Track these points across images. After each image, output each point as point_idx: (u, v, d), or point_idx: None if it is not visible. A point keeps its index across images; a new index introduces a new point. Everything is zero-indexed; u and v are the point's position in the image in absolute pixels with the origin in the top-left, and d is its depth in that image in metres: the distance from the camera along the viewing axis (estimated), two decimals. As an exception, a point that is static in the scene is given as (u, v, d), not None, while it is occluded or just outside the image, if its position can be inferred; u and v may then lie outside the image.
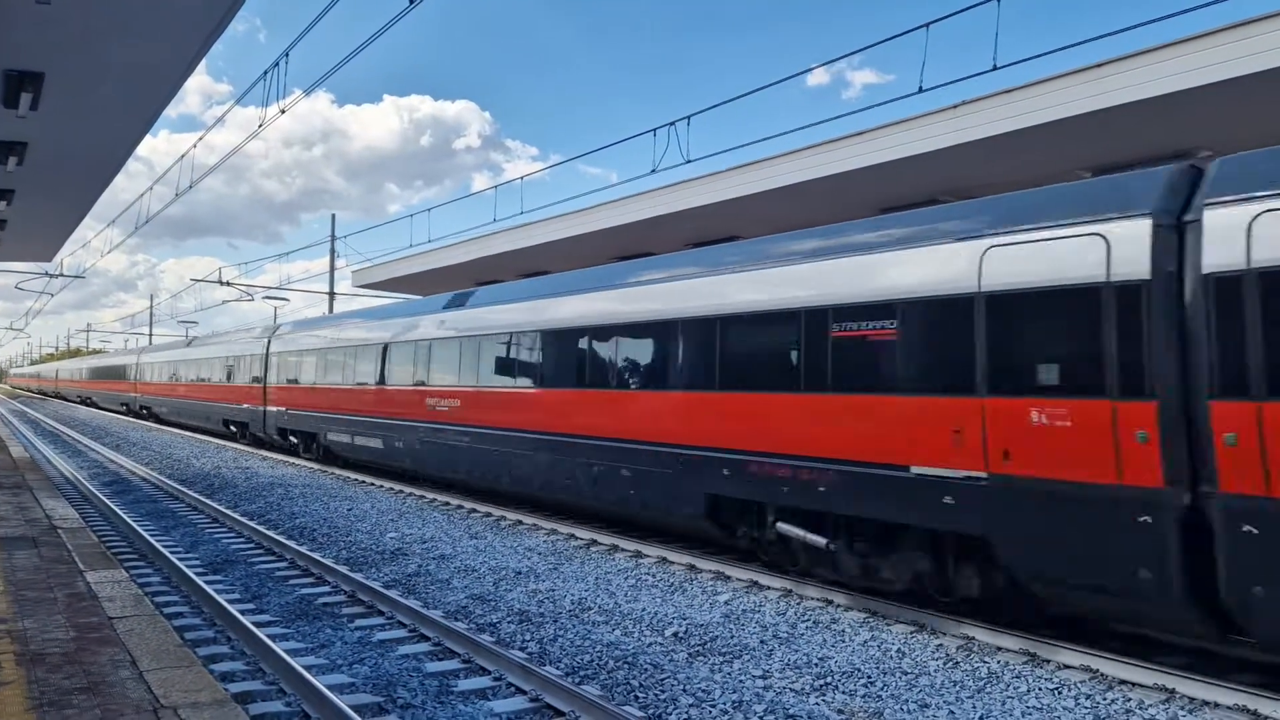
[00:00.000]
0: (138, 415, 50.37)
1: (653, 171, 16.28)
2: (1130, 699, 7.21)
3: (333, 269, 44.14)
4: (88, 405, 69.67)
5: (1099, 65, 14.05)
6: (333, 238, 43.83)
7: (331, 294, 44.22)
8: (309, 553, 12.30)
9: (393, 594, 10.08)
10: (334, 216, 45.64)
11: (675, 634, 8.96)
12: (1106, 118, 14.29)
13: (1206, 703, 7.07)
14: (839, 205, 19.51)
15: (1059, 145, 15.69)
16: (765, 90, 30.81)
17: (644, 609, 9.91)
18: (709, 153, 24.19)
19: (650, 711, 6.91)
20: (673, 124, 16.15)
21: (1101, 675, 7.74)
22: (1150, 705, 7.06)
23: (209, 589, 10.06)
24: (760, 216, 21.33)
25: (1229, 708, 6.96)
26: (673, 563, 12.34)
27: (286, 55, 13.84)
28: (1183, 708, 7.01)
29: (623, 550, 13.25)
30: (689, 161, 15.55)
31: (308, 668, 7.48)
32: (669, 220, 22.94)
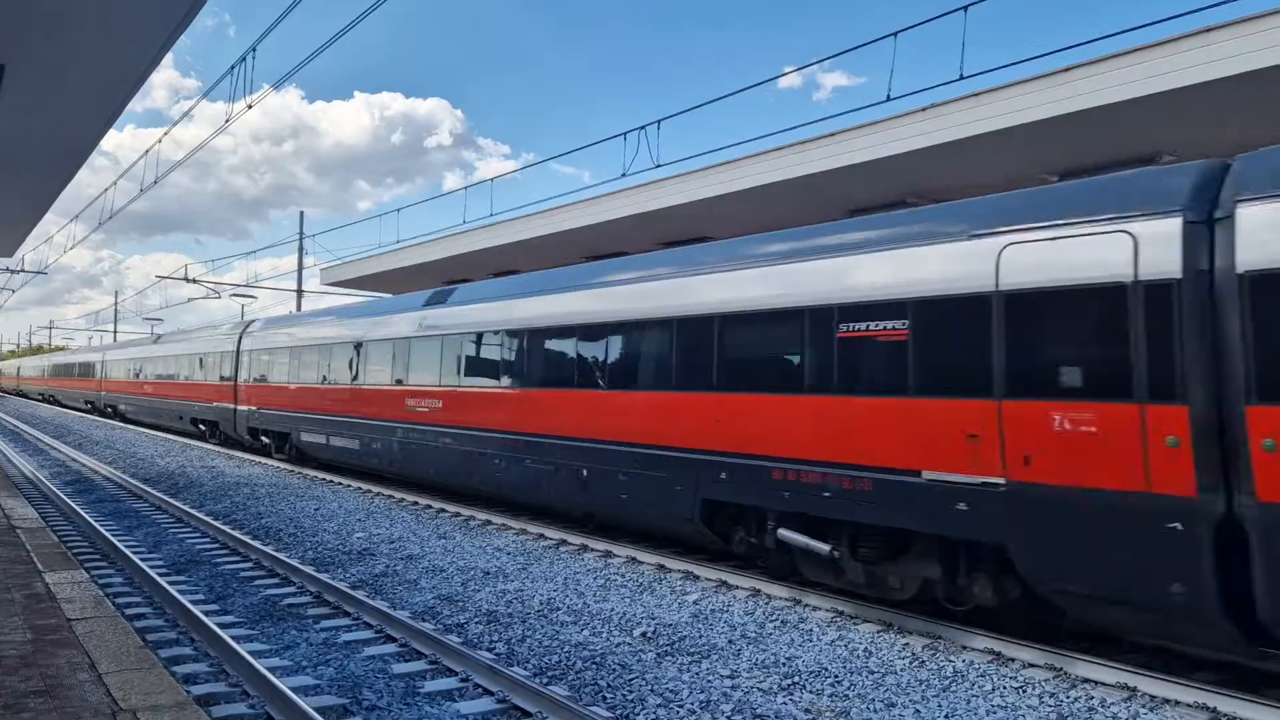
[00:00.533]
0: (103, 413, 49.69)
1: (623, 175, 16.26)
2: (1093, 697, 7.28)
3: (301, 267, 43.79)
4: (51, 403, 68.64)
5: (1065, 70, 14.21)
6: (301, 235, 43.49)
7: (300, 292, 43.86)
8: (274, 553, 12.18)
9: (359, 594, 10.00)
10: (302, 214, 45.29)
11: (644, 634, 8.96)
12: (1071, 122, 14.47)
13: (1167, 700, 7.16)
14: (810, 207, 19.61)
15: (1025, 149, 15.86)
16: (737, 94, 30.79)
17: (613, 609, 9.90)
18: (680, 157, 24.27)
19: (618, 712, 6.89)
20: (643, 128, 16.12)
21: (1065, 674, 7.82)
22: (1113, 703, 7.14)
23: (172, 590, 9.93)
24: (732, 217, 21.40)
25: (1189, 705, 7.04)
26: (642, 562, 12.33)
27: (254, 50, 13.70)
28: (1144, 705, 7.09)
29: (592, 550, 13.23)
30: (659, 166, 15.52)
31: (272, 669, 7.40)
32: (640, 220, 22.95)
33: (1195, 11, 9.63)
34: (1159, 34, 12.78)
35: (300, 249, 43.55)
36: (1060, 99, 14.23)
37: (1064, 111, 14.23)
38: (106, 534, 13.41)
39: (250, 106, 13.76)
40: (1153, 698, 7.24)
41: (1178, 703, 7.11)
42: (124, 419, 44.36)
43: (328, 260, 43.03)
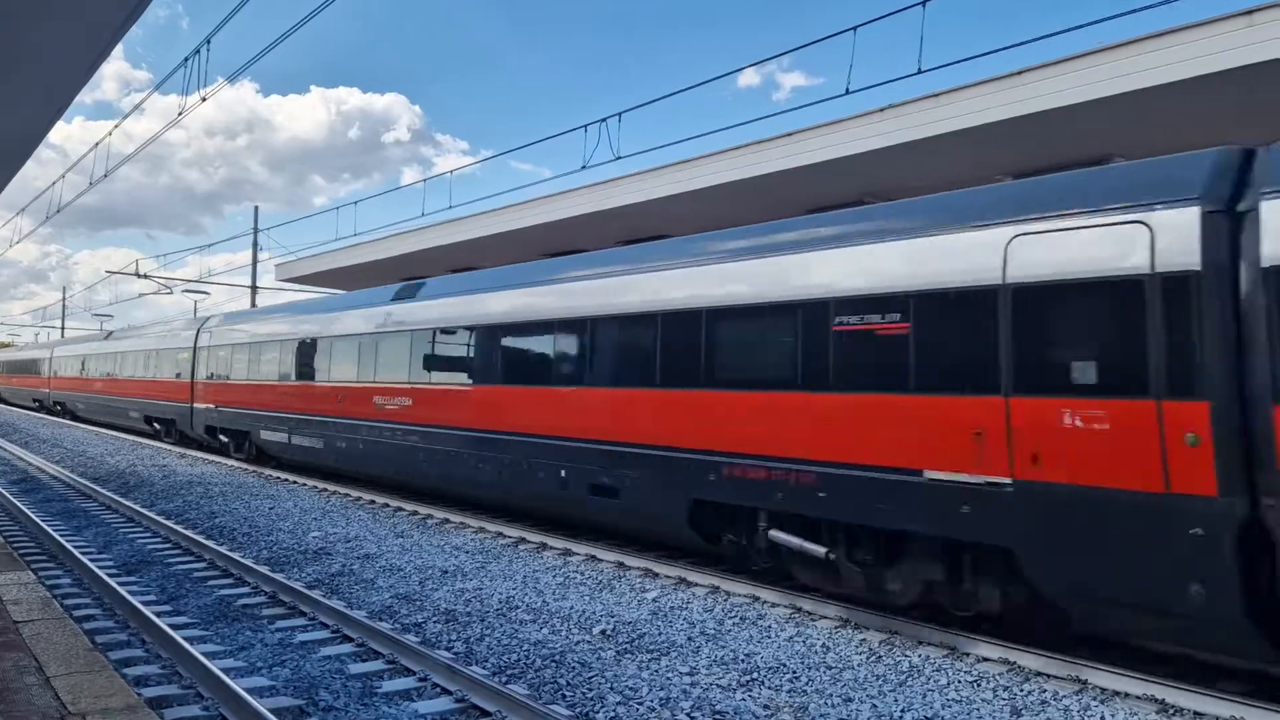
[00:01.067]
0: (51, 411, 48.66)
1: (583, 168, 16.26)
2: (1045, 690, 7.40)
3: (255, 262, 43.23)
4: (-5, 401, 67.09)
5: (1019, 73, 14.42)
6: (256, 230, 42.91)
7: (254, 287, 43.29)
8: (229, 553, 12.00)
9: (315, 594, 9.89)
10: (257, 209, 44.85)
11: (603, 631, 8.95)
12: (1028, 123, 14.68)
13: (1117, 693, 7.29)
14: (769, 205, 19.70)
15: (980, 149, 16.07)
16: (697, 89, 30.99)
17: (572, 607, 9.88)
18: (640, 150, 24.25)
19: (578, 710, 6.88)
20: (604, 121, 16.13)
21: (1019, 667, 7.93)
22: (1064, 696, 7.26)
23: (122, 590, 9.74)
24: (689, 216, 21.45)
25: (1138, 697, 7.18)
26: (601, 560, 12.33)
27: (208, 42, 13.48)
28: (1094, 698, 7.22)
29: (551, 548, 13.19)
30: (619, 159, 15.54)
31: (226, 671, 7.29)
32: (598, 218, 22.93)
33: (1148, 8, 9.74)
34: (1117, 32, 12.99)
35: (255, 244, 42.99)
36: (1016, 100, 14.43)
37: (1020, 113, 14.43)
38: (54, 534, 13.14)
39: (204, 99, 13.54)
40: (1103, 690, 7.37)
41: (1127, 695, 7.24)
42: (75, 417, 43.47)
43: (282, 255, 42.47)
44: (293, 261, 37.88)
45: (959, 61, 17.11)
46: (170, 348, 30.03)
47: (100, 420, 38.80)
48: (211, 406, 26.20)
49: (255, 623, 9.27)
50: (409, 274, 30.38)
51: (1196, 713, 6.87)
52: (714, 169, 19.48)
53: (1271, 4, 11.83)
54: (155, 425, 31.49)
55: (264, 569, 11.17)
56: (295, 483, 20.71)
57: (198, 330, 28.14)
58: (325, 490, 19.41)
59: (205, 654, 7.71)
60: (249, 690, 6.83)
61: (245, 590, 10.58)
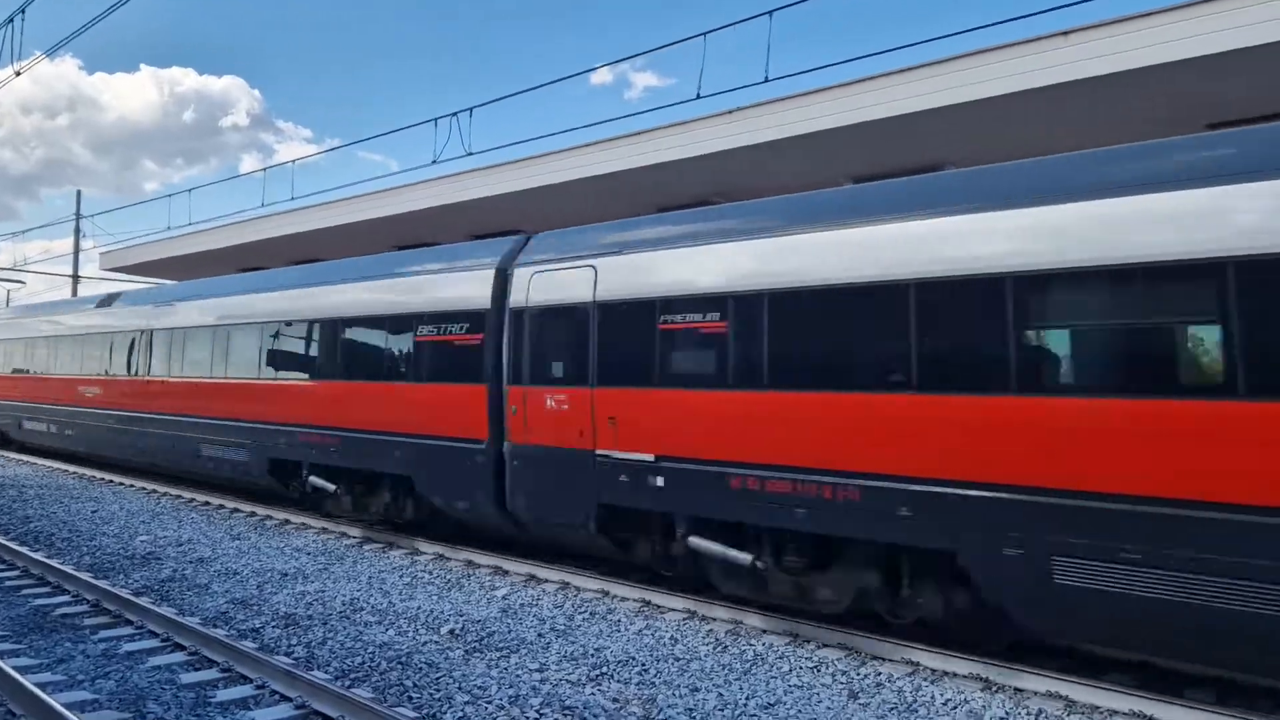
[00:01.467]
0: None
1: (434, 162, 15.93)
2: (880, 673, 7.74)
3: (77, 250, 40.61)
4: None
5: (858, 81, 15.02)
6: (78, 216, 40.32)
7: (75, 277, 40.61)
8: (45, 559, 11.22)
9: (143, 601, 9.36)
10: (79, 193, 42.00)
11: (451, 631, 8.83)
12: (867, 131, 15.30)
13: (946, 673, 7.70)
14: (620, 203, 19.84)
15: (822, 155, 16.64)
16: (550, 86, 30.82)
17: (419, 607, 9.71)
18: (492, 145, 24.01)
19: (424, 711, 6.77)
20: (455, 115, 15.84)
21: (856, 652, 8.27)
22: (899, 678, 7.61)
23: (-78, 603, 8.97)
24: (542, 211, 21.37)
25: (964, 676, 7.60)
26: (450, 559, 12.15)
27: (23, 12, 12.56)
28: (925, 679, 7.60)
29: (398, 548, 12.91)
30: (470, 154, 15.29)
31: (42, 685, 6.82)
32: (448, 211, 22.57)
33: (979, 29, 10.34)
34: (951, 48, 13.70)
35: (77, 231, 40.40)
36: (853, 109, 15.03)
37: (853, 121, 15.06)
38: None
39: (19, 74, 12.62)
40: (933, 671, 7.77)
41: (955, 674, 7.66)
42: None
43: (108, 244, 39.97)
44: (120, 250, 35.66)
45: (805, 72, 17.69)
46: None
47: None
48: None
49: (76, 633, 8.70)
50: (247, 264, 29.13)
51: (1016, 688, 7.33)
52: (566, 165, 19.45)
53: (1085, 26, 12.75)
54: None
55: (86, 575, 10.49)
56: (121, 484, 19.56)
57: None
58: (155, 492, 18.40)
59: (17, 668, 7.19)
60: (69, 705, 6.42)
61: (64, 599, 9.91)
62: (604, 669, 7.79)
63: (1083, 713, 6.87)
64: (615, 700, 7.08)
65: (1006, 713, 6.87)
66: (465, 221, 23.01)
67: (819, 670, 7.81)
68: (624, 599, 10.12)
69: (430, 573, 11.31)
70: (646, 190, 19.42)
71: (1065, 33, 12.91)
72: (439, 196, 22.21)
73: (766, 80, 10.95)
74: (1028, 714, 6.86)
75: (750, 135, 16.35)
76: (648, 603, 9.95)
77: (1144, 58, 12.31)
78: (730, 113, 16.65)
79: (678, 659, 8.09)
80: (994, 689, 7.36)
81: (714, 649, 8.39)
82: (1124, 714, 6.78)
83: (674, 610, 9.67)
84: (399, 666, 7.78)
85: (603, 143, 18.81)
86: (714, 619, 9.34)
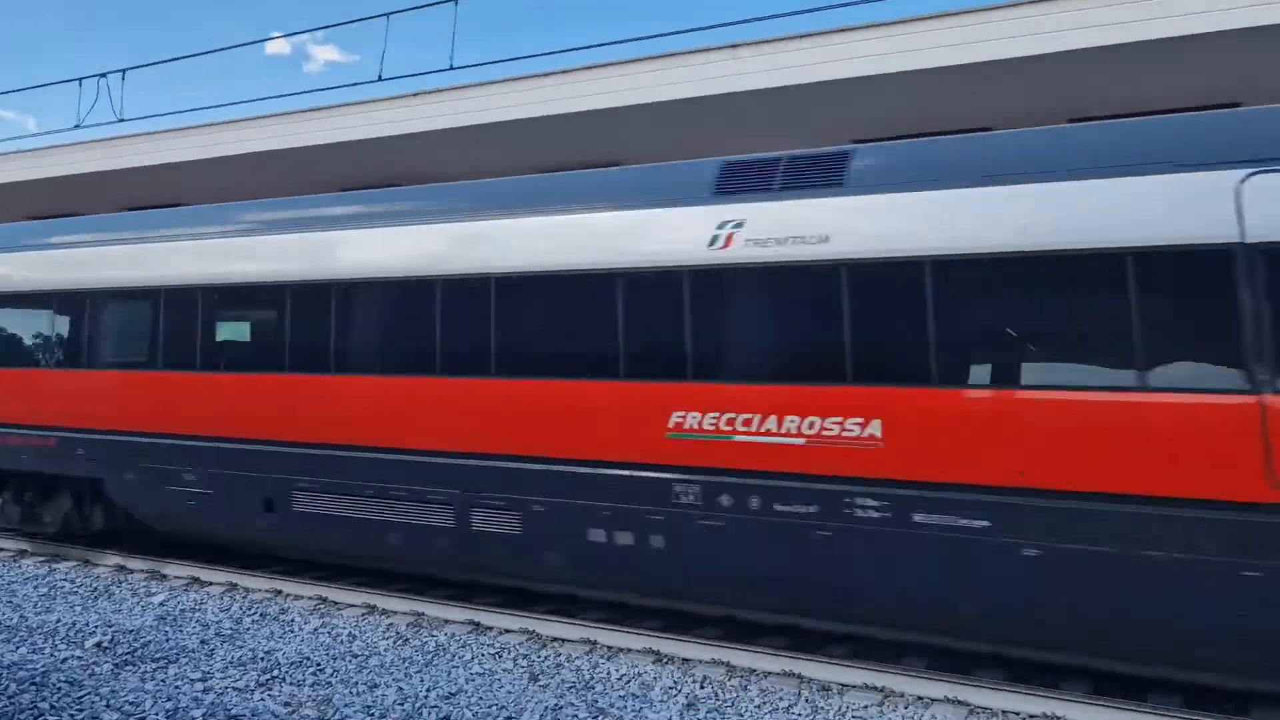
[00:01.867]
0: None
1: (77, 127, 14.20)
2: (560, 653, 7.96)
3: None
4: None
5: (550, 74, 15.33)
6: None
7: None
8: None
9: None
10: None
11: (98, 644, 8.01)
12: (557, 123, 15.65)
13: (621, 649, 8.06)
14: (300, 179, 18.93)
15: (510, 143, 16.79)
16: (220, 53, 28.56)
17: (59, 620, 8.72)
18: (151, 113, 21.91)
19: (64, 735, 6.10)
20: (103, 76, 14.16)
21: (537, 635, 8.44)
22: (577, 657, 7.87)
23: None
24: (211, 184, 19.89)
25: (638, 651, 8.00)
26: (97, 565, 11.01)
27: None
28: (602, 656, 7.92)
29: (34, 555, 11.52)
30: (123, 120, 13.75)
31: None
32: (104, 179, 20.44)
33: (656, 36, 10.87)
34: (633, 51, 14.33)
35: None
36: (536, 101, 15.34)
37: (541, 114, 15.36)
38: None
39: None
40: (609, 648, 8.11)
41: (629, 650, 8.03)
42: None
43: None
44: None
45: (489, 63, 17.76)
46: None
47: None
48: None
49: None
50: None
51: (684, 658, 7.82)
52: (246, 137, 18.24)
53: (752, 41, 13.81)
54: None
55: None
56: None
57: None
58: None
59: None
60: None
61: None
62: (275, 672, 7.40)
63: (742, 675, 7.45)
64: (287, 704, 6.75)
65: (675, 681, 7.31)
66: (124, 191, 20.95)
67: (500, 656, 7.90)
68: (298, 597, 9.67)
69: (72, 581, 10.20)
70: (331, 168, 18.64)
71: (734, 45, 13.89)
72: (93, 162, 20.09)
73: (451, 68, 10.85)
74: (693, 680, 7.34)
75: (435, 120, 16.19)
76: (324, 599, 9.58)
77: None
78: (415, 95, 16.38)
79: (356, 655, 7.86)
80: (664, 660, 7.81)
81: (394, 643, 8.24)
82: (777, 674, 7.44)
83: (352, 606, 9.37)
84: (33, 688, 6.94)
85: (284, 114, 17.89)
86: (394, 612, 9.16)
